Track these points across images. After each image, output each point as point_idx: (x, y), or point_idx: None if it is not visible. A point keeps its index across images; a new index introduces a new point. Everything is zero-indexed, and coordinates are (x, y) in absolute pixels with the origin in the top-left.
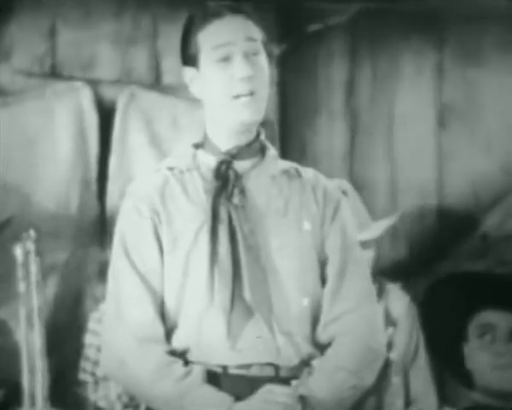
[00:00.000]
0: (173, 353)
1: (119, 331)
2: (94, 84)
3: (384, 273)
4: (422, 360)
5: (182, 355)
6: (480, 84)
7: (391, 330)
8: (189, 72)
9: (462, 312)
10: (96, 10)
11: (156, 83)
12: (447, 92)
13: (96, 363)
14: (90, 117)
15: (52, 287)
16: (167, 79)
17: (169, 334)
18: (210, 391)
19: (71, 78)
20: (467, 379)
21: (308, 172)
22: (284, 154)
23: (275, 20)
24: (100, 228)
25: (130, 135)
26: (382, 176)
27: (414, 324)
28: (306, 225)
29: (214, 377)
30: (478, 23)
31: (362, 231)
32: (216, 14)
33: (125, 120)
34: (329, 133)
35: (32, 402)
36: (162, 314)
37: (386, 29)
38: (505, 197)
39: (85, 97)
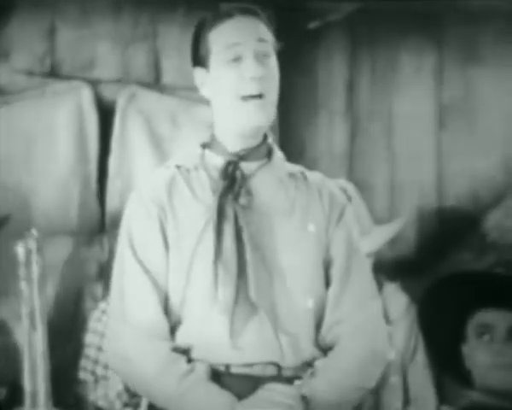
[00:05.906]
0: (177, 349)
1: (123, 328)
2: (94, 83)
3: (383, 272)
4: (421, 359)
5: (185, 352)
6: (480, 84)
7: (389, 329)
8: (199, 73)
9: (461, 311)
10: (96, 10)
11: (156, 82)
12: (447, 92)
13: (96, 362)
14: (90, 117)
15: (52, 286)
16: (167, 78)
17: (172, 330)
18: (212, 390)
19: (71, 77)
20: (466, 379)
21: (315, 176)
22: (283, 153)
23: (274, 18)
24: (99, 227)
25: (129, 134)
26: (382, 176)
27: (412, 323)
28: (311, 228)
29: (217, 376)
30: (477, 22)
31: (364, 235)
32: (227, 15)
33: (125, 120)
34: (329, 133)
35: (34, 402)
36: (166, 310)
37: (385, 28)
38: (505, 197)
39: (85, 97)
